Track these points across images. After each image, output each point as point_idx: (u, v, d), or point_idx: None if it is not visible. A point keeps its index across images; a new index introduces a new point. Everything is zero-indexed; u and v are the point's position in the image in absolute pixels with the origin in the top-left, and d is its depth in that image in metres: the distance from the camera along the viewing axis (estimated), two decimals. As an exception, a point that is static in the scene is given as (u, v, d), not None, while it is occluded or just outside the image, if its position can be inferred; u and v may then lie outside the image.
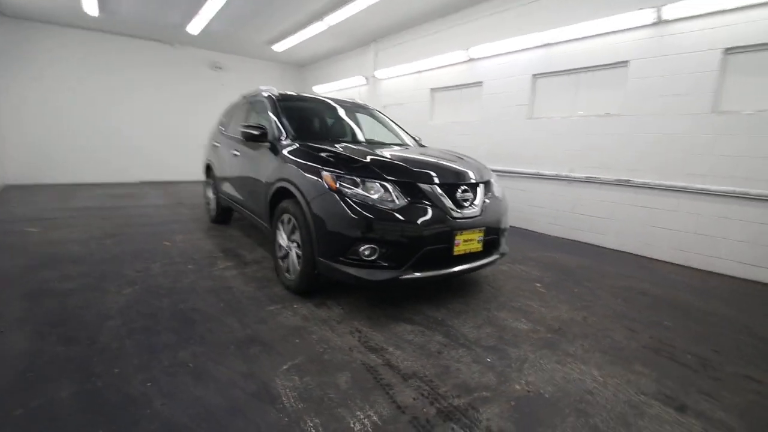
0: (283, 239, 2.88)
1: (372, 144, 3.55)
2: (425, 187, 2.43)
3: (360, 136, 3.76)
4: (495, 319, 2.57)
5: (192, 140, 9.46)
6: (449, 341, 2.23)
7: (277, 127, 3.25)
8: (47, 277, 2.90)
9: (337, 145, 2.92)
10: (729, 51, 3.68)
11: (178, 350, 1.99)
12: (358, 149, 2.81)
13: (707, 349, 2.29)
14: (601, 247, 4.71)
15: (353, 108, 4.12)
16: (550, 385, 1.86)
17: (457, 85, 6.56)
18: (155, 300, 2.59)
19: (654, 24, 4.10)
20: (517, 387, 1.84)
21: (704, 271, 3.88)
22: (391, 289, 2.89)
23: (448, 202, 2.47)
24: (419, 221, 2.33)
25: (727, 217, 3.77)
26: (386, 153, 2.82)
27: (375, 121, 4.17)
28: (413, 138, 4.15)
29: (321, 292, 2.79)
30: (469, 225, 2.51)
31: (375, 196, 2.32)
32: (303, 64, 11.00)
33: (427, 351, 2.11)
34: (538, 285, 3.26)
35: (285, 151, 2.91)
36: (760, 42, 3.49)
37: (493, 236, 2.74)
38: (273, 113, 3.42)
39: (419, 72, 7.18)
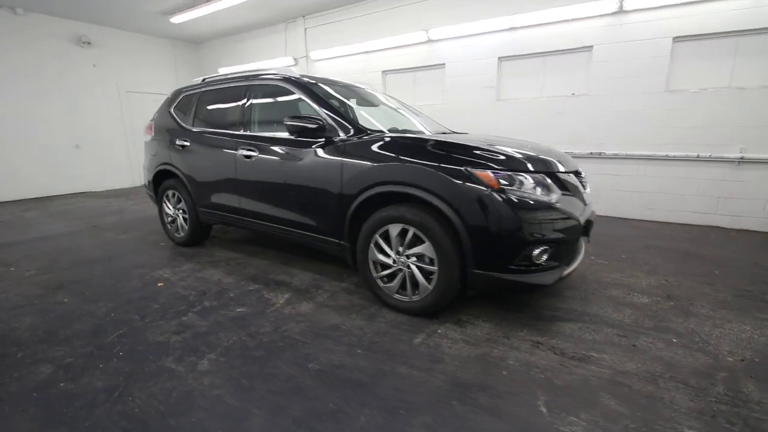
0: (386, 255, 2.37)
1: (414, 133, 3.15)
2: (564, 176, 2.28)
3: (406, 125, 3.30)
4: (614, 298, 2.64)
5: (59, 140, 7.15)
6: (622, 331, 2.20)
7: (333, 119, 2.62)
8: (43, 376, 1.79)
9: (431, 136, 2.51)
10: (677, 39, 4.43)
11: (403, 427, 1.46)
12: (466, 140, 2.44)
13: (765, 288, 2.80)
14: (577, 213, 5.31)
15: (371, 94, 3.61)
16: (743, 349, 2.00)
17: (415, 68, 6.39)
18: (267, 368, 1.85)
19: (615, 13, 4.66)
20: (730, 359, 1.92)
21: (669, 222, 4.74)
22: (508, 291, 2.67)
23: (582, 189, 2.39)
24: (577, 213, 2.19)
25: (681, 177, 4.65)
26: (492, 141, 2.52)
27: (393, 110, 3.73)
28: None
29: (443, 309, 2.42)
30: (590, 210, 2.48)
31: (537, 192, 2.07)
32: (200, 40, 9.22)
33: (624, 347, 2.04)
34: (593, 257, 3.48)
35: (375, 147, 2.36)
36: (701, 32, 4.29)
37: None
38: (315, 102, 2.74)
39: (367, 53, 6.75)
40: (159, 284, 2.92)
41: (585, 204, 2.38)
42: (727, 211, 4.47)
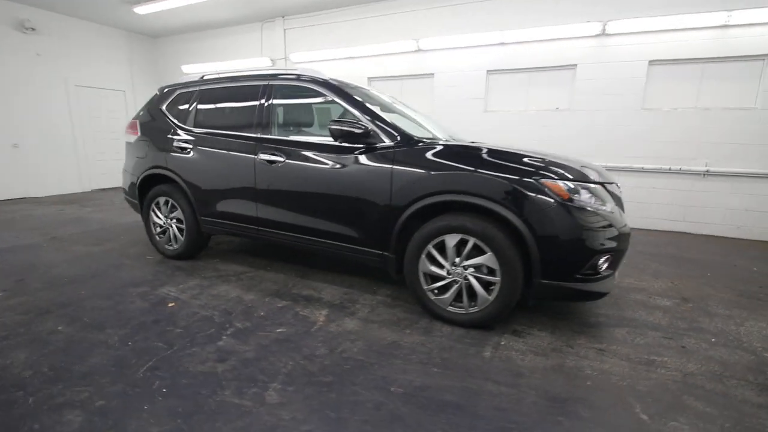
0: (440, 266, 2.30)
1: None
2: (610, 187, 2.37)
3: (422, 131, 3.22)
4: (641, 302, 2.78)
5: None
6: (665, 333, 2.32)
7: (376, 124, 2.50)
8: (76, 425, 1.47)
9: (483, 144, 2.47)
10: (652, 62, 4.88)
11: (534, 451, 1.40)
12: (516, 149, 2.43)
13: (755, 287, 3.13)
14: (560, 221, 5.61)
15: (381, 97, 3.52)
16: (778, 346, 2.20)
17: (402, 76, 6.40)
18: (346, 395, 1.68)
19: (598, 35, 5.03)
20: (766, 355, 2.10)
21: (641, 229, 5.16)
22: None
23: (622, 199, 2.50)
24: (626, 221, 2.29)
25: (655, 188, 5.10)
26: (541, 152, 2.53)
27: (405, 114, 3.66)
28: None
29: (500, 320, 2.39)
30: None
31: (598, 202, 2.12)
32: (159, 34, 8.52)
33: (675, 349, 2.14)
34: (599, 263, 3.67)
35: (430, 156, 2.29)
36: (672, 58, 4.76)
37: None
38: (355, 107, 2.60)
39: (353, 58, 6.65)
40: (170, 304, 2.58)
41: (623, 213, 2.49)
42: (693, 218, 4.97)
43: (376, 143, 2.46)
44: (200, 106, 3.31)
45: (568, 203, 2.01)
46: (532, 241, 2.04)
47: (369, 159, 2.45)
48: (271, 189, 2.84)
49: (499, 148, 2.29)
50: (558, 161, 2.19)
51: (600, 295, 2.14)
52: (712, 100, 4.71)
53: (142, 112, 3.69)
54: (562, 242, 2.01)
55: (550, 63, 5.37)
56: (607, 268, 2.14)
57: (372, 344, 2.12)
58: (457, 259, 2.25)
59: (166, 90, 3.60)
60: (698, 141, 4.80)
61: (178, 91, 3.49)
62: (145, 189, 3.56)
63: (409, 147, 2.37)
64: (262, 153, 2.83)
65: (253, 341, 2.13)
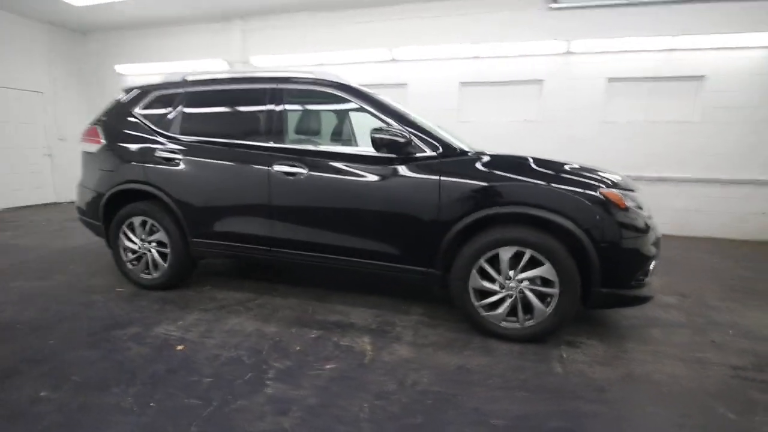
0: (491, 281, 2.21)
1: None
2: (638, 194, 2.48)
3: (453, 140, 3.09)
4: (654, 303, 2.96)
5: None
6: (691, 330, 2.47)
7: (415, 134, 2.35)
8: None
9: (527, 155, 2.42)
10: (611, 80, 5.37)
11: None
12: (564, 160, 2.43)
13: (730, 280, 3.51)
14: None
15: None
16: (785, 334, 2.46)
17: (375, 84, 6.25)
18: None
19: (563, 54, 5.41)
20: (783, 344, 2.33)
21: (607, 231, 5.62)
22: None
23: (642, 207, 2.64)
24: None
25: (615, 193, 5.58)
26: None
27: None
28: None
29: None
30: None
31: (642, 209, 2.21)
32: (89, 30, 7.45)
33: (708, 345, 2.28)
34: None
35: (481, 167, 2.21)
36: (627, 76, 5.29)
37: None
38: (387, 113, 2.44)
39: (322, 65, 6.39)
40: (178, 347, 2.14)
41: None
42: (648, 219, 5.53)
43: (415, 153, 2.32)
44: (188, 111, 2.87)
45: (625, 211, 2.05)
46: (593, 251, 2.04)
47: (411, 170, 2.29)
48: (290, 205, 2.53)
49: (541, 158, 2.28)
50: (600, 170, 2.24)
51: (648, 298, 2.20)
52: (660, 115, 5.31)
53: (105, 117, 3.11)
54: (623, 250, 2.05)
55: (520, 77, 5.66)
56: (651, 272, 2.23)
57: (440, 372, 1.95)
58: (512, 273, 2.18)
59: (136, 92, 3.08)
60: (649, 151, 5.36)
61: (155, 93, 3.00)
62: (114, 208, 2.99)
63: (456, 157, 2.27)
64: (278, 164, 2.52)
65: (306, 383, 1.83)
